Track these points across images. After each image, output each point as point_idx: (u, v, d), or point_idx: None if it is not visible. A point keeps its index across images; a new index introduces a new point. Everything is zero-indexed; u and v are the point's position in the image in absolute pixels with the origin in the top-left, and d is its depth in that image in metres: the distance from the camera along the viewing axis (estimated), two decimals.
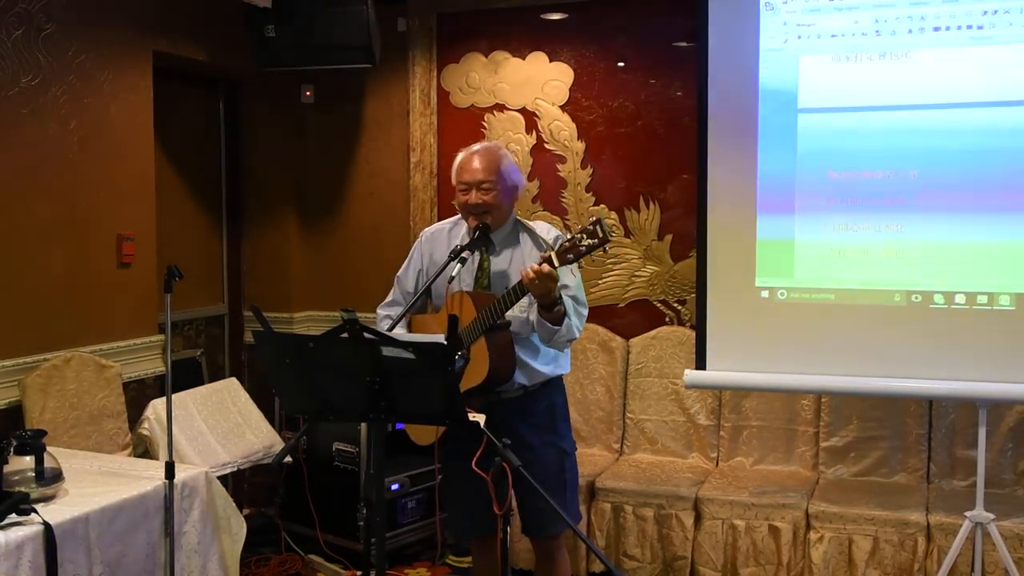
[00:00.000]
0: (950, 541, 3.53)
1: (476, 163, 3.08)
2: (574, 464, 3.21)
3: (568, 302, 2.95)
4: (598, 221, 2.75)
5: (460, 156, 3.14)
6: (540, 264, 2.78)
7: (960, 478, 4.07)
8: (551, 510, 2.81)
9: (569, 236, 2.81)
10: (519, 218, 3.19)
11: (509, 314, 2.96)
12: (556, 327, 2.91)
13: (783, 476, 4.23)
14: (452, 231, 3.23)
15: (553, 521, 3.08)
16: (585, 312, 3.09)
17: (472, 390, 2.94)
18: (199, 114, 5.05)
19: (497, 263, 3.11)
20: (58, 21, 3.70)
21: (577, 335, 3.03)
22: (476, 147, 3.16)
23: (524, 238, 3.13)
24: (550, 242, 3.03)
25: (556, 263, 2.79)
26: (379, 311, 3.29)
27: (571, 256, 2.78)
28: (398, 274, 3.30)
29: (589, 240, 2.75)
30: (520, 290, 2.88)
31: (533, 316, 2.98)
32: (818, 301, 3.74)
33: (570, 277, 3.04)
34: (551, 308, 2.88)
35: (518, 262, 3.08)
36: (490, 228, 3.09)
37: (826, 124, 3.71)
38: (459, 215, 3.24)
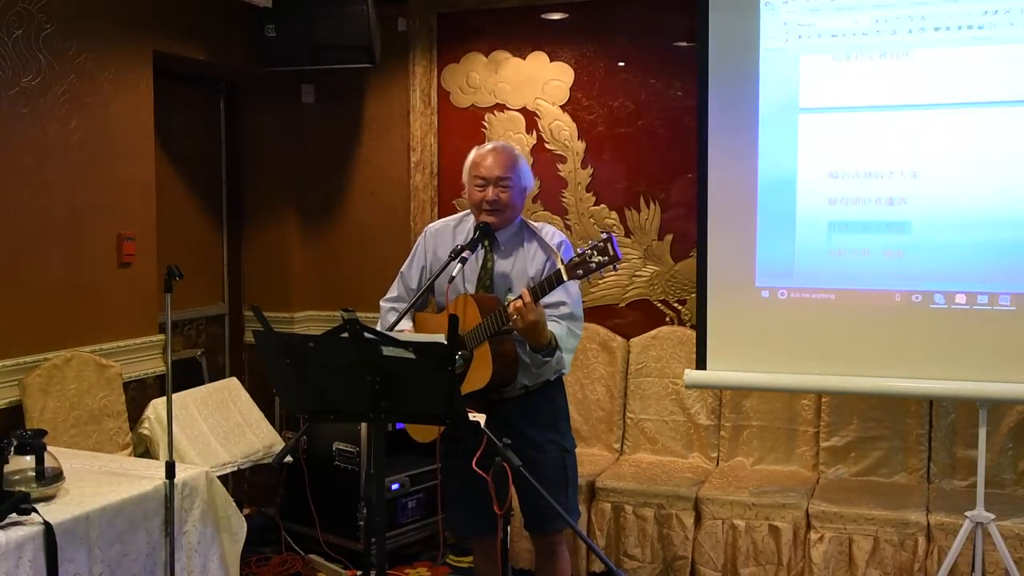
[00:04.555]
0: (950, 541, 3.53)
1: (495, 159, 3.07)
2: (575, 462, 3.22)
3: (561, 327, 2.97)
4: (609, 239, 2.74)
5: (475, 152, 3.14)
6: (522, 298, 2.78)
7: (960, 478, 4.07)
8: (553, 507, 2.82)
9: (579, 251, 2.80)
10: (525, 219, 3.18)
11: None
12: (547, 359, 2.94)
13: (783, 476, 4.23)
14: (457, 228, 3.21)
15: (556, 517, 3.08)
16: (580, 332, 3.08)
17: (472, 394, 2.94)
18: (199, 114, 5.05)
19: (501, 264, 3.10)
20: (58, 21, 3.69)
21: (567, 368, 3.07)
22: (492, 144, 3.17)
23: (530, 240, 3.12)
24: (554, 247, 3.04)
25: (565, 276, 2.78)
26: (383, 304, 3.29)
27: (580, 272, 2.77)
28: (402, 269, 3.30)
29: (600, 257, 2.74)
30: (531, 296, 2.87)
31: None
32: (818, 301, 3.74)
33: (563, 293, 3.00)
34: (539, 350, 2.91)
35: (522, 263, 3.08)
36: (492, 227, 3.09)
37: (826, 124, 3.71)
38: (463, 212, 3.24)
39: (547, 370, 3.01)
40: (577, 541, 3.89)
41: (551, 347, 2.93)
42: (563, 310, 3.01)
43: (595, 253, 2.75)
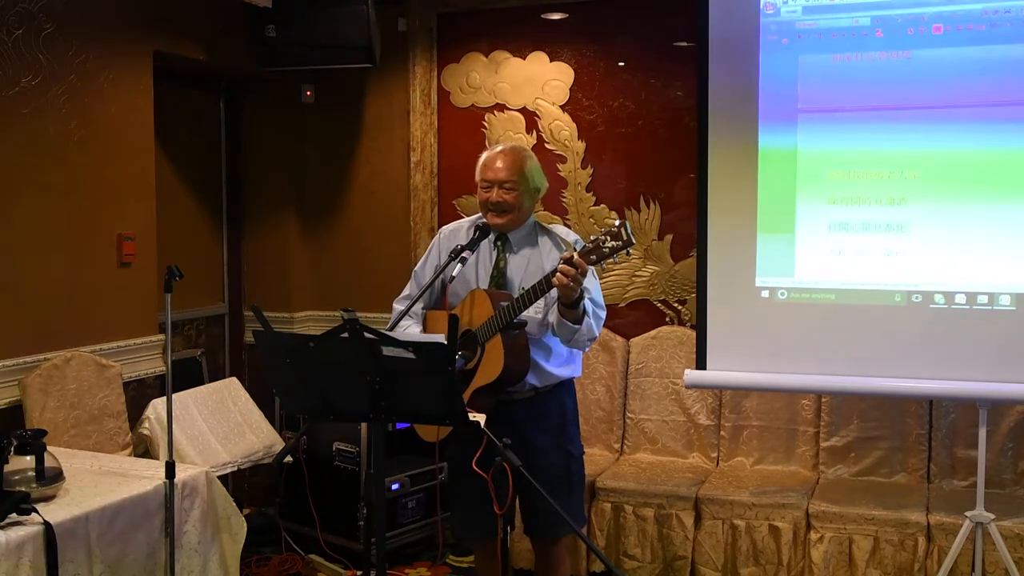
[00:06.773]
0: (950, 541, 3.53)
1: (500, 162, 3.10)
2: (581, 468, 3.22)
3: (588, 304, 2.95)
4: (623, 224, 2.75)
5: (486, 153, 3.17)
6: (567, 264, 2.76)
7: (960, 478, 4.07)
8: (553, 513, 2.81)
9: (592, 237, 2.81)
10: (539, 220, 3.21)
11: (524, 315, 2.97)
12: (576, 326, 2.91)
13: (783, 476, 4.23)
14: (470, 229, 3.23)
15: (554, 524, 3.08)
16: (603, 314, 3.08)
17: (484, 388, 2.94)
18: (199, 114, 5.05)
19: (514, 263, 3.12)
20: (58, 21, 3.69)
21: (597, 334, 3.04)
22: (501, 146, 3.20)
23: (543, 239, 3.15)
24: (570, 242, 3.05)
25: (575, 259, 2.77)
26: (395, 306, 3.30)
27: (594, 257, 2.78)
28: (415, 268, 3.33)
29: (613, 242, 2.75)
30: (539, 290, 2.88)
31: (552, 317, 2.98)
32: (818, 301, 3.74)
33: (590, 280, 3.01)
34: (575, 306, 2.87)
35: (536, 263, 3.09)
36: (499, 229, 3.11)
37: (826, 124, 3.71)
38: (476, 215, 3.26)
39: (578, 341, 2.96)
40: (577, 541, 3.89)
41: (581, 311, 2.89)
42: (586, 295, 2.98)
43: (608, 239, 2.76)
